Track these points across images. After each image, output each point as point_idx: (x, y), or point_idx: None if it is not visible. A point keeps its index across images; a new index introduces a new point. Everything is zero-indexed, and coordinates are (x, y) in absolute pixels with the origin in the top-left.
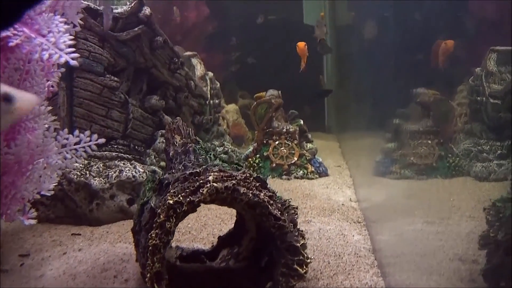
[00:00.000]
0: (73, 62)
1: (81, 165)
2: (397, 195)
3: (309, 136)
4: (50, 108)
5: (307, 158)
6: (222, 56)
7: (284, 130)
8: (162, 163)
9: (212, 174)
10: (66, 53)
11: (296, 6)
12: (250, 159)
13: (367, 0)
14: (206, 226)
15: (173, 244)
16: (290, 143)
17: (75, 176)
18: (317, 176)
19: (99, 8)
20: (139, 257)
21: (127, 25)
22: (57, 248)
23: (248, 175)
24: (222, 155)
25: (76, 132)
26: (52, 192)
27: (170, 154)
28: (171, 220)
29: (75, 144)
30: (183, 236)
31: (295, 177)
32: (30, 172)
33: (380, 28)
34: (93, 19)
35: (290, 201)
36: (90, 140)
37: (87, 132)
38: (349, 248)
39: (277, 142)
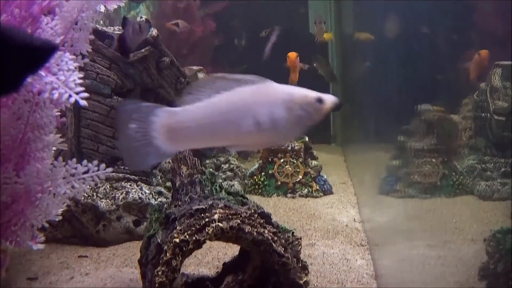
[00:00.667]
0: (83, 103)
1: (88, 187)
2: (401, 215)
3: (314, 153)
4: (59, 138)
5: (312, 176)
6: (228, 69)
7: (289, 148)
8: (168, 184)
9: (217, 211)
10: (76, 93)
11: (302, 16)
12: (255, 176)
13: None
14: (211, 250)
15: None
16: (295, 161)
17: (82, 198)
18: (321, 194)
19: (106, 30)
20: None
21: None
22: (65, 271)
23: (253, 211)
24: (227, 172)
25: (85, 161)
26: (60, 217)
27: (177, 184)
28: (177, 258)
29: (84, 173)
30: (188, 260)
31: (300, 196)
32: (39, 201)
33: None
34: (100, 40)
35: (294, 232)
36: (98, 170)
37: (95, 162)
38: (352, 274)
39: (282, 160)
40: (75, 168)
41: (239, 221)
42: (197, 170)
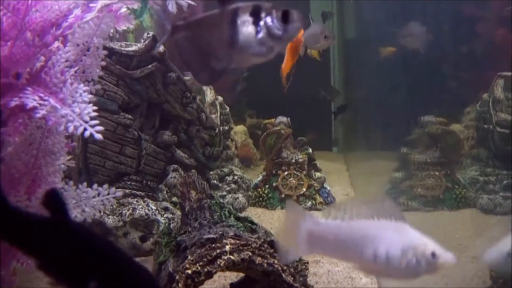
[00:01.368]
0: (99, 137)
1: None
2: None
3: (318, 164)
4: (70, 162)
5: (316, 188)
6: (231, 77)
7: (293, 160)
8: (174, 199)
9: (228, 242)
10: (91, 126)
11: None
12: (259, 189)
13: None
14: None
15: None
16: (299, 174)
17: None
18: (325, 207)
19: (114, 46)
20: None
21: (141, 62)
22: None
23: (262, 241)
24: (231, 184)
25: (95, 185)
26: None
27: (186, 209)
28: None
29: (94, 197)
30: None
31: (304, 208)
32: None
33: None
34: (107, 57)
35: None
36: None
37: (105, 185)
38: None
39: (286, 173)
40: (86, 192)
41: (250, 253)
42: (206, 194)
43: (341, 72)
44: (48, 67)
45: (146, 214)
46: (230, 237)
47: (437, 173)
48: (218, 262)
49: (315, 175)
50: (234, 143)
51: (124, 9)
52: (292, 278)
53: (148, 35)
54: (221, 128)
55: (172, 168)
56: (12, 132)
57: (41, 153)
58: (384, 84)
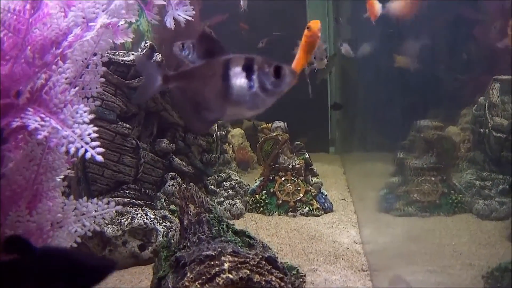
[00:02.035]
0: (99, 158)
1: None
2: (400, 236)
3: (314, 169)
4: (69, 172)
5: (313, 194)
6: None
7: (290, 166)
8: (172, 207)
9: (227, 260)
10: (92, 147)
11: (300, 22)
12: (256, 195)
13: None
14: None
15: None
16: (296, 179)
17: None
18: (322, 212)
19: (111, 56)
20: None
21: (138, 71)
22: None
23: (260, 257)
24: (229, 190)
25: (95, 199)
26: None
27: (185, 223)
28: None
29: (94, 211)
30: None
31: (301, 214)
32: (50, 239)
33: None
34: (105, 67)
35: (299, 269)
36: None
37: (105, 200)
38: None
39: (283, 179)
40: (86, 206)
41: (248, 271)
42: (204, 208)
43: (338, 72)
44: (49, 87)
45: (145, 223)
46: (228, 254)
47: (433, 178)
48: (217, 281)
49: (312, 180)
50: (231, 146)
51: (122, 22)
52: None
53: (146, 44)
54: (218, 133)
55: (170, 176)
56: (13, 148)
57: (41, 169)
58: (380, 85)
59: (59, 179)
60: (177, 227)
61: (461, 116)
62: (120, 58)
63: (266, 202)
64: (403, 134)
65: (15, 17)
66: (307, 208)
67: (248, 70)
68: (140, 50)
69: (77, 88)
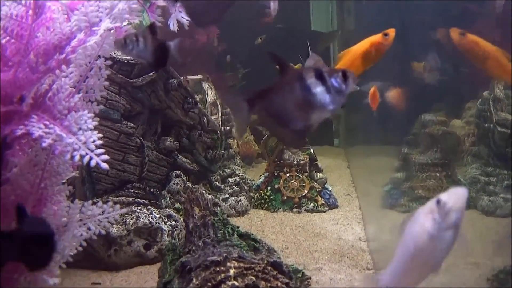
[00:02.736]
0: (105, 166)
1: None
2: None
3: (319, 164)
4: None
5: (317, 190)
6: (232, 75)
7: (295, 162)
8: (177, 205)
9: (232, 266)
10: (97, 155)
11: (303, 13)
12: (261, 191)
13: None
14: None
15: None
16: (300, 175)
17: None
18: (327, 208)
19: (115, 55)
20: None
21: (142, 70)
22: None
23: (266, 262)
24: (234, 187)
25: (100, 203)
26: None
27: (190, 226)
28: None
29: (99, 214)
30: None
31: (306, 210)
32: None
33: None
34: (109, 66)
35: (304, 272)
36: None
37: (110, 203)
38: None
39: (288, 175)
40: (91, 210)
41: (253, 278)
42: (210, 211)
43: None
44: (53, 93)
45: (150, 223)
46: (234, 260)
47: (438, 174)
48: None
49: (316, 176)
50: (235, 140)
51: (125, 23)
52: None
53: None
54: (222, 128)
55: (174, 174)
56: (17, 153)
57: (46, 174)
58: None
59: (63, 183)
60: (182, 225)
61: (465, 110)
62: (124, 57)
63: (271, 198)
64: (407, 127)
65: (17, 23)
66: (312, 204)
67: (321, 78)
68: None
69: (81, 94)
